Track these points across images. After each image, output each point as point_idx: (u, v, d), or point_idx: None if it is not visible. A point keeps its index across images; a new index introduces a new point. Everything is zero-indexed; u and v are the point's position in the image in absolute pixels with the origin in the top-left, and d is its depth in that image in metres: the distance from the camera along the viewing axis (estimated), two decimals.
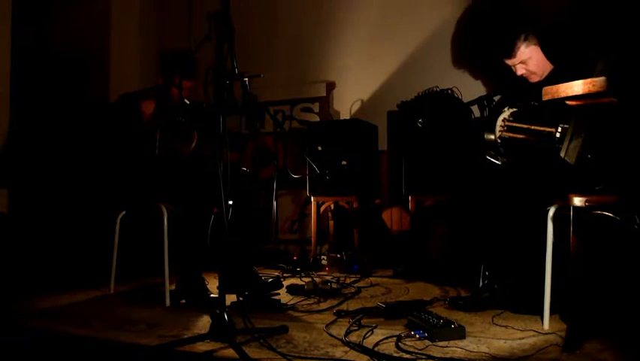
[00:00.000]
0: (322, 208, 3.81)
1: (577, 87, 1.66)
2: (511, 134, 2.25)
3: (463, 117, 3.26)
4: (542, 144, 2.12)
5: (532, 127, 2.17)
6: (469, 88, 3.34)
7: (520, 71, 2.43)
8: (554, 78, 2.23)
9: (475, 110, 3.11)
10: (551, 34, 2.47)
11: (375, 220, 3.93)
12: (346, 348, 1.77)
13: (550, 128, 2.10)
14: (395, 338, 1.82)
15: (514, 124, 2.25)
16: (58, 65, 4.14)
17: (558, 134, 2.07)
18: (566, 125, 2.05)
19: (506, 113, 2.32)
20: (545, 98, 1.77)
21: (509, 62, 2.44)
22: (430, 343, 1.79)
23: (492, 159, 2.38)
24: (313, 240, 3.78)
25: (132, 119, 2.67)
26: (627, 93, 1.70)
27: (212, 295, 2.55)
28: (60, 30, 4.17)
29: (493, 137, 2.34)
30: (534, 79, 2.44)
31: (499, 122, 2.32)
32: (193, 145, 2.79)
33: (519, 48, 2.38)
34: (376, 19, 4.12)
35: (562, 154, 1.99)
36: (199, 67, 2.76)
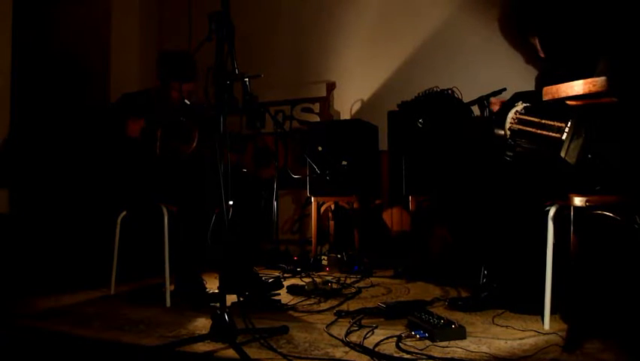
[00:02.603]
0: (323, 208, 3.81)
1: (577, 87, 1.66)
2: (521, 127, 2.24)
3: (463, 117, 3.26)
4: (551, 137, 2.11)
5: (543, 121, 2.15)
6: (469, 88, 3.34)
7: None
8: None
9: (475, 110, 3.11)
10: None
11: (376, 220, 3.92)
12: (347, 348, 1.77)
13: (561, 123, 2.09)
14: (395, 339, 1.82)
15: (525, 117, 2.25)
16: (59, 65, 4.14)
17: (567, 129, 2.07)
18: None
19: (519, 106, 2.31)
20: (546, 98, 1.77)
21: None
22: (431, 343, 1.79)
23: (506, 157, 2.36)
24: (314, 240, 3.78)
25: (116, 135, 2.68)
26: (628, 93, 1.70)
27: (211, 294, 2.56)
28: (60, 30, 4.16)
29: (502, 132, 2.33)
30: None
31: (511, 114, 2.30)
32: (194, 145, 2.79)
33: None
34: (376, 19, 4.12)
35: (562, 154, 1.99)
36: (198, 67, 2.76)
